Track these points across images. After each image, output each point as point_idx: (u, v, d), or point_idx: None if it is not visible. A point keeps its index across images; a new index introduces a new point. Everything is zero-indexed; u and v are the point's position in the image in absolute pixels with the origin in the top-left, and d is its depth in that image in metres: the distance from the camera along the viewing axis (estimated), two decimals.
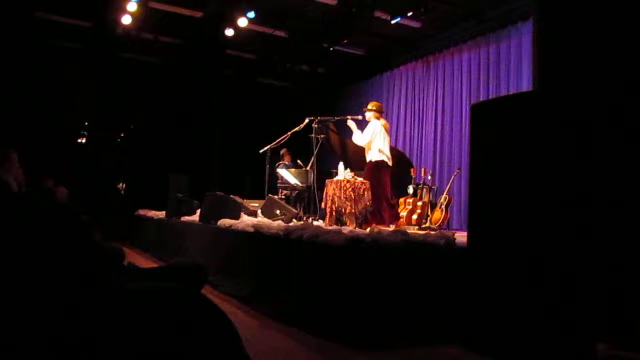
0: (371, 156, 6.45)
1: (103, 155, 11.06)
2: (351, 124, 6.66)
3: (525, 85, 7.80)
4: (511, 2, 8.16)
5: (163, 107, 11.37)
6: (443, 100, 9.67)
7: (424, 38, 9.85)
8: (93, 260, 1.57)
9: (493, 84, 8.63)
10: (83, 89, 10.64)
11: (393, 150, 6.87)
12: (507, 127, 2.38)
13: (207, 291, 4.15)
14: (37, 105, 9.97)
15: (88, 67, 10.54)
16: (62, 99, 10.42)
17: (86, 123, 11.23)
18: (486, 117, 2.57)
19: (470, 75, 9.13)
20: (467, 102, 8.95)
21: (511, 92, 7.77)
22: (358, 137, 6.56)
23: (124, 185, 11.22)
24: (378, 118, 6.55)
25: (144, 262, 6.50)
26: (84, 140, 11.23)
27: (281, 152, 9.00)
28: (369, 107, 6.65)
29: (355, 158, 6.80)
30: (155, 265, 5.89)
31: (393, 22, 8.56)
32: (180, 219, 6.93)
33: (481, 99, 8.27)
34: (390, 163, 6.50)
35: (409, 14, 8.23)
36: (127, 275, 2.37)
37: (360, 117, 6.64)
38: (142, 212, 8.93)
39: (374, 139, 6.43)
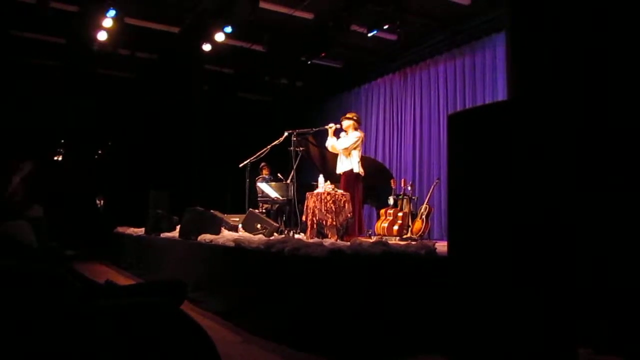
0: (352, 166, 6.33)
1: (80, 172, 10.92)
2: (330, 129, 6.56)
3: (501, 95, 7.92)
4: (485, 15, 8.31)
5: (141, 123, 11.28)
6: (421, 111, 9.77)
7: (400, 50, 9.95)
8: (61, 279, 1.53)
9: (469, 94, 8.75)
10: (59, 105, 10.52)
11: (373, 161, 6.85)
12: (483, 136, 2.41)
13: (187, 307, 4.09)
14: (13, 122, 9.82)
15: (64, 83, 10.43)
16: (38, 115, 10.29)
17: (62, 140, 11.09)
18: (463, 126, 2.59)
19: (446, 86, 9.25)
20: (445, 113, 9.05)
21: (487, 102, 7.87)
22: (342, 141, 6.43)
23: (102, 202, 11.08)
24: (357, 129, 6.48)
25: (123, 280, 6.40)
26: (60, 158, 11.09)
27: (260, 166, 8.98)
28: (349, 116, 6.53)
29: (335, 170, 6.78)
30: (134, 282, 5.81)
31: (369, 35, 8.64)
32: (159, 235, 6.84)
33: (458, 109, 8.36)
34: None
35: (385, 27, 8.32)
36: (105, 292, 2.32)
37: (339, 126, 6.58)
38: (120, 229, 8.81)
39: (356, 147, 6.36)
